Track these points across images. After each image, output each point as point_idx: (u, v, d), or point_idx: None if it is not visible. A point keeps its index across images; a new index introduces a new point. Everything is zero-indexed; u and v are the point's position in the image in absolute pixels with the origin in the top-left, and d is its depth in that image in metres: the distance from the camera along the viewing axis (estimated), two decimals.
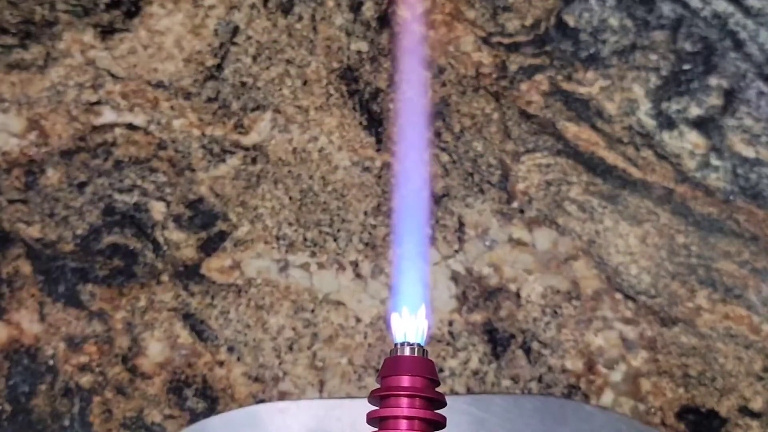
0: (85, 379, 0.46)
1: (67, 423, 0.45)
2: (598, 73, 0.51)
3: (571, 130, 0.50)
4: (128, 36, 0.53)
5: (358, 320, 0.46)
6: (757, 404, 0.45)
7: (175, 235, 0.48)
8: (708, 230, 0.48)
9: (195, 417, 0.45)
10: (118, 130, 0.50)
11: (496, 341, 0.46)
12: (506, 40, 0.52)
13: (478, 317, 0.46)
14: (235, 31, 0.53)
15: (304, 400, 0.44)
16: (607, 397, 0.45)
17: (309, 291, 0.47)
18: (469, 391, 0.45)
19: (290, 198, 0.49)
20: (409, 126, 0.50)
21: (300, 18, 0.53)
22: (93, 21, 0.53)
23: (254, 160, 0.50)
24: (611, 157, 0.50)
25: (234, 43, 0.53)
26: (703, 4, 0.53)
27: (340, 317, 0.46)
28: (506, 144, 0.50)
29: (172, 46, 0.52)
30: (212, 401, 0.45)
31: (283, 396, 0.45)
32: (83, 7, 0.54)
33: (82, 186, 0.49)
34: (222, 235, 0.48)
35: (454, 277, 0.47)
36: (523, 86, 0.51)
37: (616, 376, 0.45)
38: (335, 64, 0.52)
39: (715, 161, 0.49)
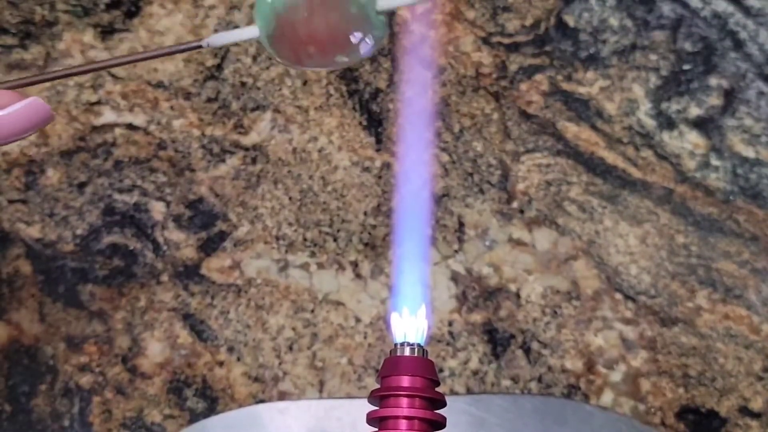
0: (85, 379, 0.46)
1: (67, 423, 0.45)
2: (598, 73, 0.51)
3: (571, 130, 0.50)
4: (128, 36, 0.53)
5: (358, 320, 0.46)
6: (757, 404, 0.45)
7: (175, 235, 0.48)
8: (708, 230, 0.48)
9: (195, 417, 0.45)
10: (118, 130, 0.50)
11: (496, 341, 0.46)
12: (506, 40, 0.52)
13: (478, 317, 0.46)
14: None
15: (304, 400, 0.44)
16: (607, 397, 0.45)
17: (309, 291, 0.47)
18: (469, 391, 0.45)
19: (290, 198, 0.49)
20: (409, 126, 0.50)
21: None
22: (93, 21, 0.53)
23: (254, 160, 0.50)
24: (611, 157, 0.50)
25: (234, 43, 0.53)
26: (703, 4, 0.53)
27: (340, 317, 0.46)
28: (506, 144, 0.50)
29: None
30: (212, 401, 0.45)
31: (283, 396, 0.45)
32: (83, 7, 0.54)
33: (82, 186, 0.49)
34: (222, 235, 0.48)
35: (454, 277, 0.47)
36: (523, 86, 0.51)
37: (616, 376, 0.45)
38: None
39: (715, 161, 0.49)
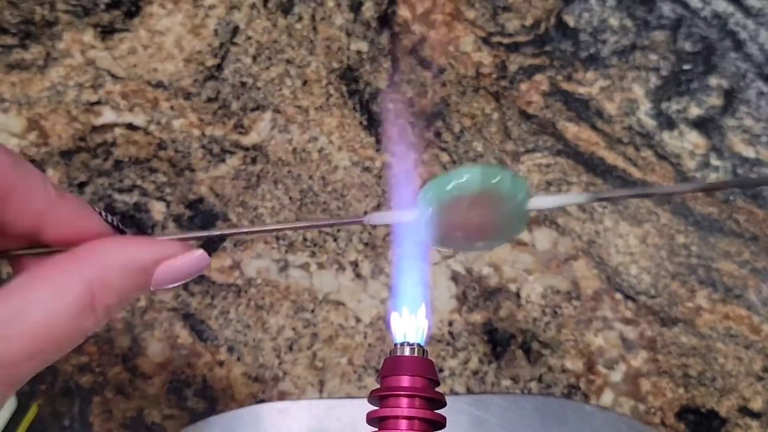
0: (85, 379, 0.46)
1: (67, 423, 0.45)
2: (598, 73, 0.51)
3: (571, 130, 0.50)
4: (128, 36, 0.53)
5: (358, 320, 0.46)
6: (757, 404, 0.45)
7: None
8: (708, 230, 0.48)
9: (195, 417, 0.45)
10: (118, 130, 0.50)
11: (496, 341, 0.46)
12: (506, 40, 0.52)
13: (478, 317, 0.46)
14: (235, 31, 0.53)
15: (304, 400, 0.44)
16: (607, 397, 0.45)
17: (309, 291, 0.47)
18: (469, 391, 0.45)
19: (290, 198, 0.49)
20: (409, 126, 0.50)
21: (300, 18, 0.53)
22: (93, 21, 0.53)
23: (254, 160, 0.50)
24: (611, 157, 0.50)
25: (234, 43, 0.53)
26: (703, 4, 0.53)
27: (340, 317, 0.46)
28: (506, 144, 0.50)
29: (172, 46, 0.52)
30: (212, 401, 0.45)
31: (283, 396, 0.45)
32: (83, 7, 0.54)
33: (82, 186, 0.49)
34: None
35: (454, 277, 0.47)
36: (523, 86, 0.51)
37: (616, 376, 0.45)
38: (335, 64, 0.52)
39: (715, 161, 0.49)
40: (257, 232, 0.34)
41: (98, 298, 0.28)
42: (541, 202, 0.29)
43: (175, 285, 0.31)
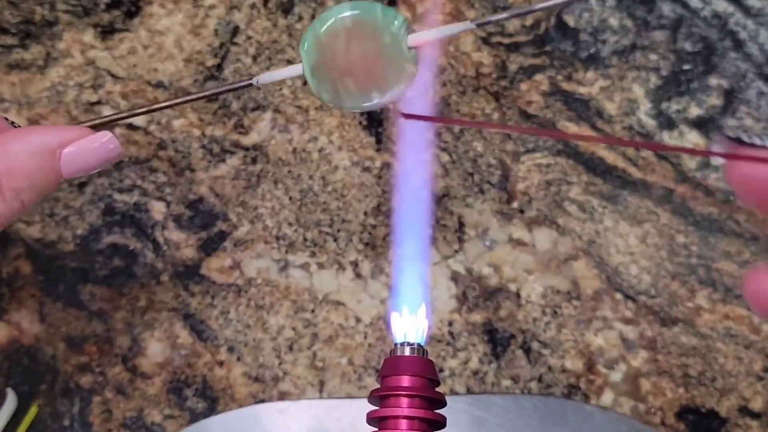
0: (85, 379, 0.46)
1: (67, 423, 0.45)
2: (598, 73, 0.51)
3: (571, 130, 0.50)
4: (128, 36, 0.53)
5: (358, 320, 0.46)
6: (757, 404, 0.45)
7: (175, 235, 0.48)
8: (708, 230, 0.48)
9: (195, 417, 0.45)
10: (118, 130, 0.50)
11: (496, 341, 0.46)
12: (506, 40, 0.52)
13: (478, 317, 0.46)
14: (235, 31, 0.53)
15: (304, 400, 0.44)
16: (607, 397, 0.45)
17: (309, 291, 0.47)
18: (469, 391, 0.45)
19: (290, 198, 0.49)
20: (409, 126, 0.50)
21: (300, 18, 0.53)
22: (93, 21, 0.53)
23: (254, 160, 0.50)
24: (611, 157, 0.50)
25: (234, 43, 0.53)
26: (703, 4, 0.53)
27: (340, 317, 0.46)
28: (506, 144, 0.50)
29: (172, 46, 0.52)
30: (212, 401, 0.45)
31: (283, 396, 0.45)
32: (83, 7, 0.54)
33: (82, 186, 0.49)
34: (222, 235, 0.48)
35: (454, 277, 0.47)
36: (523, 86, 0.51)
37: (616, 376, 0.45)
38: None
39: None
40: (144, 112, 0.34)
41: (5, 182, 0.28)
42: (421, 36, 0.29)
43: (88, 172, 0.30)
